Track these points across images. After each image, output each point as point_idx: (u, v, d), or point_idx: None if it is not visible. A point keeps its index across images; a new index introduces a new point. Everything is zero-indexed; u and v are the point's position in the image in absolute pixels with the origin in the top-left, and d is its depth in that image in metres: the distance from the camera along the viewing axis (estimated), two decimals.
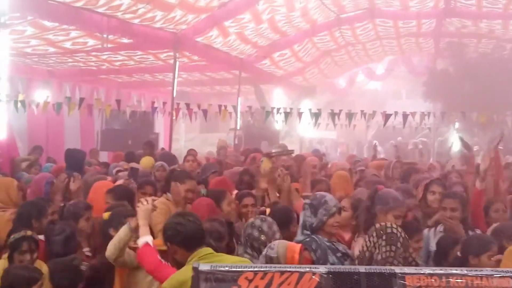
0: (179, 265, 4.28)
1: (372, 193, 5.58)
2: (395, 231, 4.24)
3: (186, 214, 4.39)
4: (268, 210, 6.11)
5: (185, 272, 3.95)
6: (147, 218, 4.70)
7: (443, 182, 6.91)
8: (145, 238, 4.56)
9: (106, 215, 5.51)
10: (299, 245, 4.39)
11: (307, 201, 5.19)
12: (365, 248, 4.26)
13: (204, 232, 4.30)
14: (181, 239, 4.17)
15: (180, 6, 12.69)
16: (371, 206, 5.43)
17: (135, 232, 4.66)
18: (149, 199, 4.86)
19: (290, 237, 5.77)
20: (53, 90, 17.74)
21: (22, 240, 4.95)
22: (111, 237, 4.93)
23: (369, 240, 4.26)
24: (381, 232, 4.23)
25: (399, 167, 9.66)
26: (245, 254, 4.70)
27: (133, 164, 9.57)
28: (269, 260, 4.14)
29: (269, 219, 4.90)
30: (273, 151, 8.40)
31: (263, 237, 4.67)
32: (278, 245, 4.26)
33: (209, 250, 4.18)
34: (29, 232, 5.06)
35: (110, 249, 4.69)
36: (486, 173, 6.29)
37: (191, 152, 11.06)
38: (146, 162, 10.50)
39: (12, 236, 5.01)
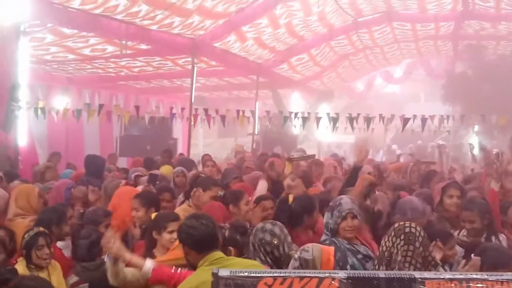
0: (193, 267, 4.32)
1: (394, 199, 5.51)
2: (413, 230, 4.20)
3: (200, 217, 4.37)
4: (291, 198, 6.09)
5: (197, 277, 4.03)
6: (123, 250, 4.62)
7: (461, 185, 6.81)
8: (146, 266, 4.53)
9: (153, 215, 5.63)
10: (333, 248, 4.40)
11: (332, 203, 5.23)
12: (384, 248, 4.24)
13: (217, 235, 4.31)
14: (193, 241, 4.19)
15: (198, 12, 12.75)
16: (391, 213, 5.38)
17: (119, 263, 4.56)
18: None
19: (312, 224, 5.84)
20: (73, 97, 17.87)
21: (38, 236, 5.09)
22: (153, 240, 5.16)
23: (388, 240, 4.24)
24: (400, 231, 4.20)
25: (416, 171, 9.63)
26: (257, 259, 4.70)
27: (153, 171, 9.61)
28: (304, 262, 4.12)
29: (279, 223, 4.86)
30: (295, 155, 8.39)
31: (275, 241, 4.65)
32: (313, 248, 4.23)
33: (220, 254, 4.18)
34: (41, 228, 5.21)
35: (111, 280, 4.63)
36: (501, 174, 6.21)
37: (207, 157, 11.12)
38: (165, 171, 10.56)
39: (26, 235, 5.12)
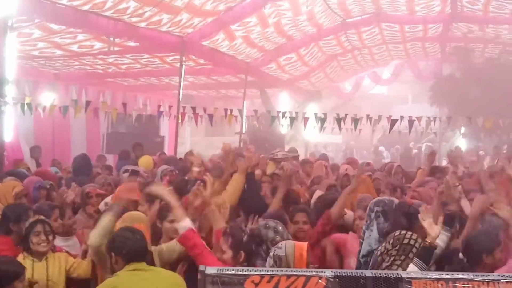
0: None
1: (404, 209, 5.34)
2: (412, 242, 4.25)
3: (133, 230, 4.58)
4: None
5: (118, 278, 4.31)
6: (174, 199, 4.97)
7: None
8: (184, 222, 4.79)
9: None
10: (306, 243, 4.40)
11: (378, 208, 5.16)
12: (378, 253, 4.32)
13: (147, 249, 4.59)
14: (126, 252, 4.40)
15: (187, 9, 12.71)
16: (407, 224, 5.23)
17: (118, 217, 4.89)
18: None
19: None
20: (60, 93, 17.77)
21: (36, 223, 5.22)
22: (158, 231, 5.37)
23: (384, 246, 4.33)
24: (398, 241, 4.27)
25: (400, 172, 9.62)
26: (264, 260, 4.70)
27: (130, 167, 9.55)
28: (278, 259, 4.16)
29: (279, 221, 4.96)
30: (278, 155, 8.39)
31: (278, 238, 4.70)
32: (286, 245, 4.28)
33: (143, 265, 4.40)
34: (41, 217, 5.35)
35: (94, 237, 4.82)
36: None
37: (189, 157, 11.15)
38: (145, 161, 10.59)
39: (26, 223, 5.27)
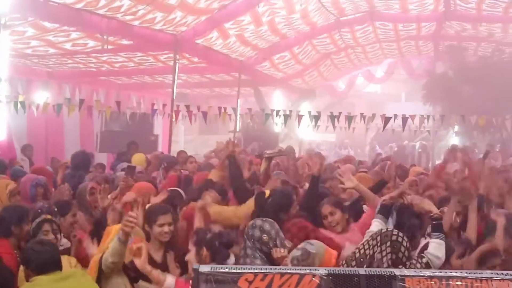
0: None
1: (411, 211, 5.33)
2: (400, 239, 4.22)
3: (45, 243, 4.48)
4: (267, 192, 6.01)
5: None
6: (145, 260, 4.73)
7: None
8: (167, 282, 4.65)
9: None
10: (336, 252, 4.49)
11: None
12: (367, 252, 4.24)
13: (59, 258, 4.40)
14: (36, 265, 4.28)
15: (180, 7, 12.70)
16: (420, 223, 5.25)
17: (125, 244, 4.65)
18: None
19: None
20: (53, 92, 17.71)
21: (43, 222, 5.21)
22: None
23: (370, 245, 4.26)
24: (386, 238, 4.21)
25: (393, 169, 9.61)
26: (248, 252, 4.70)
27: (124, 164, 9.56)
28: (306, 253, 4.21)
29: (269, 219, 4.86)
30: (268, 152, 8.38)
31: (265, 237, 4.67)
32: (318, 244, 4.37)
33: (58, 274, 4.29)
34: (49, 216, 5.33)
35: (106, 259, 4.69)
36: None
37: (183, 155, 11.21)
38: (138, 158, 10.61)
39: (34, 223, 5.24)
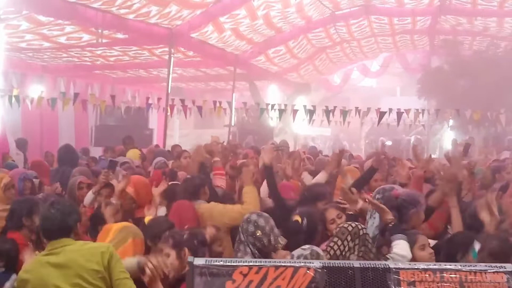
0: None
1: (392, 202, 5.34)
2: (365, 231, 4.39)
3: (55, 204, 4.24)
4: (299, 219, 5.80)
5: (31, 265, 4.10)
6: None
7: None
8: None
9: (147, 219, 5.61)
10: None
11: (379, 196, 5.38)
12: (338, 252, 4.30)
13: (66, 223, 4.15)
14: (43, 231, 4.22)
15: (175, 1, 12.67)
16: (397, 215, 5.24)
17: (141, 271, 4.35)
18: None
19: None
20: (48, 85, 17.70)
21: None
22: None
23: (343, 244, 4.32)
24: (355, 235, 4.32)
25: (386, 164, 9.57)
26: (241, 248, 4.68)
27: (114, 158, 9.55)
28: (315, 253, 4.17)
29: (265, 214, 4.84)
30: (264, 148, 8.38)
31: (258, 233, 4.64)
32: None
33: (65, 241, 4.08)
34: None
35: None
36: None
37: (178, 149, 11.19)
38: (132, 154, 10.62)
39: (37, 220, 5.05)
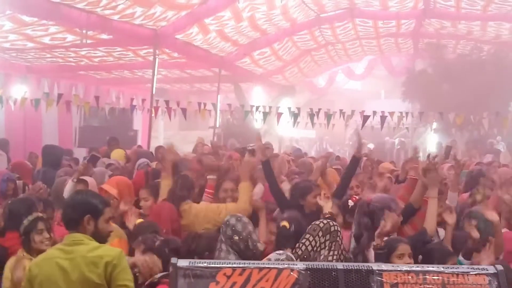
0: None
1: (364, 209, 5.35)
2: (336, 228, 4.57)
3: (72, 195, 4.28)
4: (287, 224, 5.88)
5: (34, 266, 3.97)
6: None
7: None
8: None
9: (139, 221, 5.62)
10: None
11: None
12: (310, 248, 4.43)
13: (68, 216, 4.03)
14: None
15: (160, 2, 12.64)
16: (370, 222, 5.24)
17: None
18: None
19: (307, 206, 5.84)
20: (31, 86, 17.56)
21: (37, 220, 5.10)
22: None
23: (315, 240, 4.47)
24: (326, 231, 4.50)
25: (369, 165, 9.59)
26: (223, 248, 4.68)
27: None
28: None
29: (245, 218, 4.82)
30: (251, 145, 8.37)
31: (235, 237, 4.62)
32: None
33: (74, 236, 3.95)
34: (40, 214, 5.26)
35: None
36: None
37: (161, 150, 11.13)
38: (117, 154, 10.60)
39: (25, 220, 5.10)
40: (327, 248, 4.44)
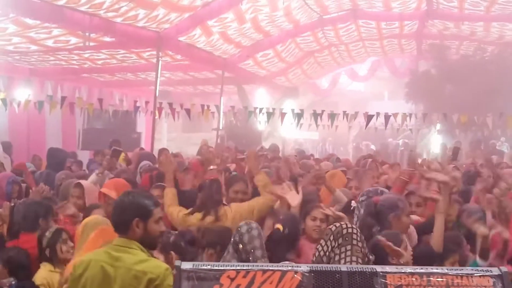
0: None
1: (370, 209, 5.33)
2: (350, 230, 4.20)
3: (125, 195, 4.05)
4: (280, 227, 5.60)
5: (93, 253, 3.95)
6: None
7: None
8: None
9: None
10: None
11: (363, 198, 5.51)
12: (322, 253, 4.21)
13: (117, 220, 3.96)
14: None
15: (163, 4, 12.65)
16: (372, 222, 5.23)
17: None
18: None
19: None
20: (35, 89, 17.60)
21: (60, 231, 5.13)
22: None
23: (326, 245, 4.21)
24: (338, 235, 4.18)
25: (375, 167, 9.55)
26: (231, 257, 4.65)
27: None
28: None
29: (255, 232, 4.64)
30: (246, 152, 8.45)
31: (240, 246, 4.53)
32: None
33: (120, 241, 3.86)
34: (58, 226, 5.34)
35: None
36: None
37: (165, 152, 11.15)
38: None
39: (47, 233, 5.10)
40: (341, 252, 4.14)
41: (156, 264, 3.77)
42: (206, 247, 4.97)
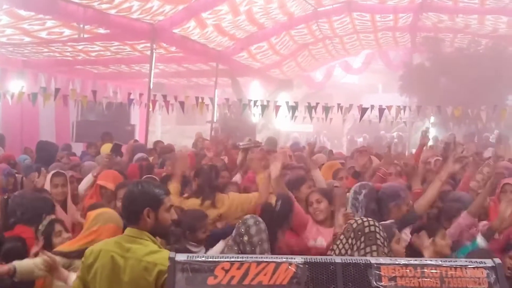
0: None
1: (372, 195, 5.35)
2: (373, 229, 3.95)
3: (136, 186, 3.98)
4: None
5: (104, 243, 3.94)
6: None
7: None
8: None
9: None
10: None
11: (365, 190, 5.48)
12: (343, 251, 3.98)
13: (126, 211, 3.96)
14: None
15: None
16: (375, 208, 5.27)
17: None
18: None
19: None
20: (28, 81, 17.53)
21: (53, 222, 5.13)
22: None
23: (347, 242, 3.98)
24: (359, 233, 3.94)
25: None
26: (230, 250, 4.64)
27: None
28: None
29: (263, 225, 4.59)
30: (242, 144, 8.45)
31: (245, 238, 4.47)
32: None
33: (129, 231, 3.85)
34: (53, 216, 5.29)
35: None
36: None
37: (160, 145, 11.20)
38: (106, 148, 10.59)
39: (40, 225, 5.12)
40: (366, 253, 3.89)
41: (167, 256, 3.71)
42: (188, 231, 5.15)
